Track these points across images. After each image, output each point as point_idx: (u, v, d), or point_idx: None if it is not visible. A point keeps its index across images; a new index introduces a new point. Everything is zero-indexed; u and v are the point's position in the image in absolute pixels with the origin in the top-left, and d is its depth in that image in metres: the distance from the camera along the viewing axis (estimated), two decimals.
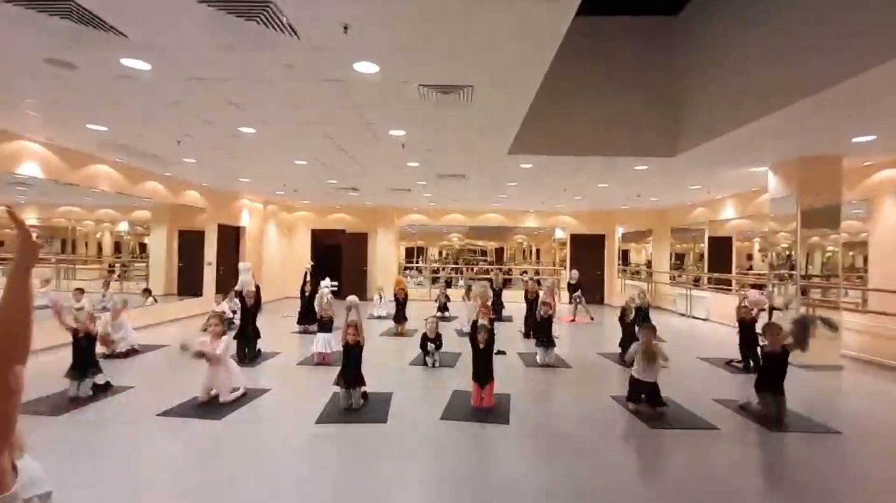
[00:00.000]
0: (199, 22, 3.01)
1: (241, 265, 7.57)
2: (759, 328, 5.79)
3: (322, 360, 5.95)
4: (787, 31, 4.32)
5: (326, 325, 6.09)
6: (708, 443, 3.76)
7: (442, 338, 6.17)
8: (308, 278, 8.38)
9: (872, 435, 3.99)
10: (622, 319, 6.75)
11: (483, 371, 4.48)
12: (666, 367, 4.47)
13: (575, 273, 10.71)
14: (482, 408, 4.33)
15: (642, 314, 8.49)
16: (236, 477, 3.07)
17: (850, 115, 4.58)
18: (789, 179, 6.57)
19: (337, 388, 4.40)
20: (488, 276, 13.06)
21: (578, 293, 10.46)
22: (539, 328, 6.37)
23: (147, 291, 8.83)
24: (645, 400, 4.35)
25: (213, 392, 4.45)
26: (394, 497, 2.88)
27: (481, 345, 4.51)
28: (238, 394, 4.55)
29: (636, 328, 8.08)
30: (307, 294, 8.25)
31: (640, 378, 4.41)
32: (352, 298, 4.77)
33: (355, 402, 4.32)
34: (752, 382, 4.43)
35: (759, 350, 5.60)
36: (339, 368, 4.46)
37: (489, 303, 4.46)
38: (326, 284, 7.57)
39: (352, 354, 4.41)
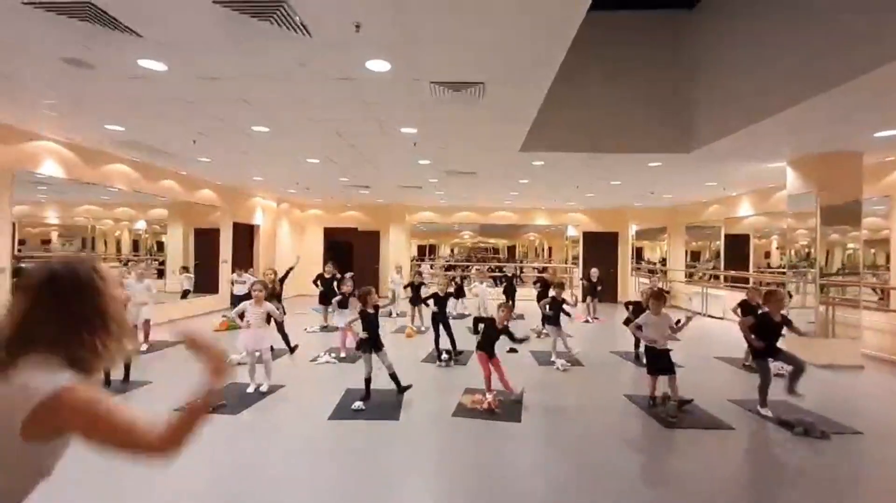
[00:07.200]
0: (214, 22, 3.04)
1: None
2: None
3: (345, 338, 6.42)
4: (804, 24, 4.23)
5: (345, 303, 6.77)
6: (723, 443, 3.71)
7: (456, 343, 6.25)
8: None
9: (894, 435, 3.90)
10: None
11: (488, 344, 4.61)
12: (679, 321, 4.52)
13: (595, 271, 10.48)
14: (489, 408, 4.25)
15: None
16: (249, 472, 3.11)
17: (872, 109, 4.47)
18: (808, 175, 6.43)
19: (352, 387, 4.45)
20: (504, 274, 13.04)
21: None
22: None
23: (185, 269, 9.49)
24: (664, 371, 4.37)
25: (257, 353, 4.79)
26: (405, 494, 2.90)
27: (500, 325, 4.63)
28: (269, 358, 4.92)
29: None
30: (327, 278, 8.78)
31: (652, 346, 4.44)
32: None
33: (388, 367, 4.52)
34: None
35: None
36: (352, 366, 4.49)
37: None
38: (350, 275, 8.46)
39: (370, 319, 4.57)
